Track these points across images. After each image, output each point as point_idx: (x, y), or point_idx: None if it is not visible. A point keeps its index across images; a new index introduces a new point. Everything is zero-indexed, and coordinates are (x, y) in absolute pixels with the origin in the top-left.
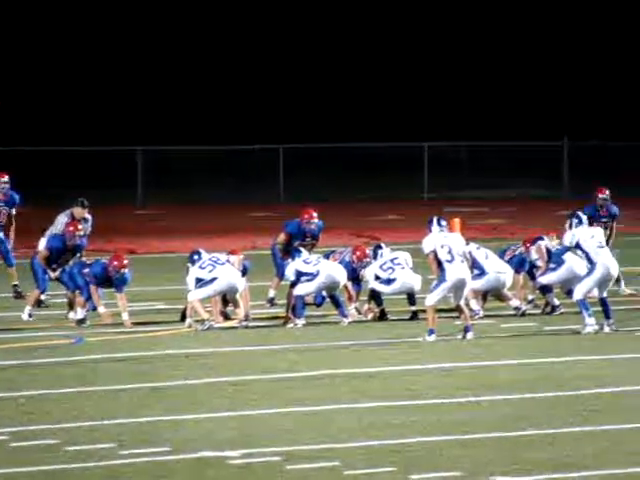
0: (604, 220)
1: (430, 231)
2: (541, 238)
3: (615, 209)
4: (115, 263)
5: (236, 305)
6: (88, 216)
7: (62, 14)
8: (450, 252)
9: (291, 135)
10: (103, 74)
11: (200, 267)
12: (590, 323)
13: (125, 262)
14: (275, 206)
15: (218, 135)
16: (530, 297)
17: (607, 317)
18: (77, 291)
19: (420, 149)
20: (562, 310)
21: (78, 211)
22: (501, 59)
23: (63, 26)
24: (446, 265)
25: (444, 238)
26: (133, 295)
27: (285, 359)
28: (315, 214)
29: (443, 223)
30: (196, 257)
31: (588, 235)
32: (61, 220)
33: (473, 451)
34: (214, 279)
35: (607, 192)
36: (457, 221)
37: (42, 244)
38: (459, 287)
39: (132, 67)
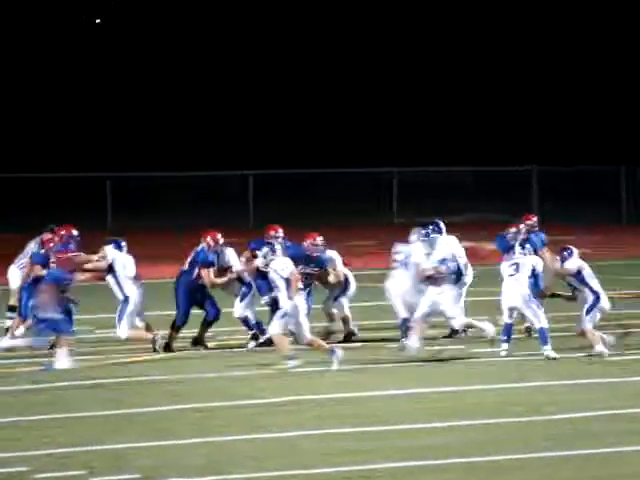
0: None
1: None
2: None
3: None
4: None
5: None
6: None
7: (43, 43)
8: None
9: (260, 161)
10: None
11: None
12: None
13: None
14: (245, 232)
15: (192, 161)
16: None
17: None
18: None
19: (390, 174)
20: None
21: (48, 237)
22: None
23: (42, 55)
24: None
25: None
26: (104, 322)
27: (250, 386)
28: (319, 238)
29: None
30: None
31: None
32: (31, 247)
33: (444, 476)
34: None
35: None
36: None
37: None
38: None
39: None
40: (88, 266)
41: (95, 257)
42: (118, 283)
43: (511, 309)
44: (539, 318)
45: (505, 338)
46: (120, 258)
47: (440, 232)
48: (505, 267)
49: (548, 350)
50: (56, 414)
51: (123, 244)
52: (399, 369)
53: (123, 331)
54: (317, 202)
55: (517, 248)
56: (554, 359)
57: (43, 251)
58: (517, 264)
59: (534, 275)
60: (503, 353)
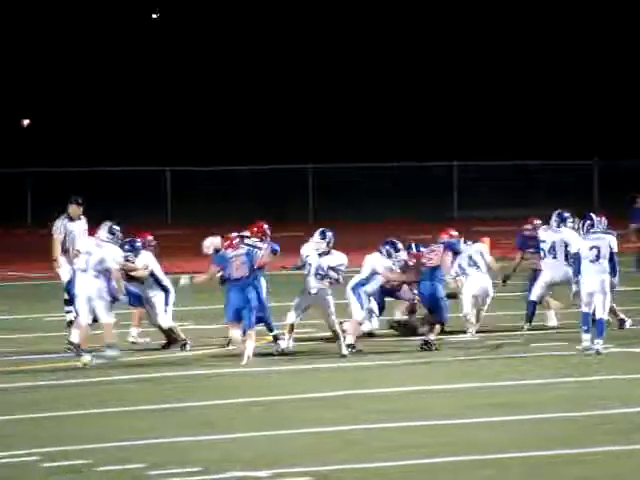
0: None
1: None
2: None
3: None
4: None
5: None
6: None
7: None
8: None
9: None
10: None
11: None
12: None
13: None
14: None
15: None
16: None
17: None
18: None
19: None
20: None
21: (74, 209)
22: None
23: (90, 54)
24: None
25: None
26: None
27: (306, 380)
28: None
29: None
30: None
31: None
32: (60, 224)
33: (494, 471)
34: None
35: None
36: (486, 240)
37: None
38: None
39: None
40: (136, 274)
41: (139, 266)
42: (157, 279)
43: (590, 294)
44: (604, 308)
45: (585, 328)
46: (151, 257)
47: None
48: (585, 250)
49: (600, 344)
50: (115, 407)
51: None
52: (450, 363)
53: (167, 320)
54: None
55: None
56: (600, 354)
57: None
58: (598, 248)
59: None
60: (586, 344)
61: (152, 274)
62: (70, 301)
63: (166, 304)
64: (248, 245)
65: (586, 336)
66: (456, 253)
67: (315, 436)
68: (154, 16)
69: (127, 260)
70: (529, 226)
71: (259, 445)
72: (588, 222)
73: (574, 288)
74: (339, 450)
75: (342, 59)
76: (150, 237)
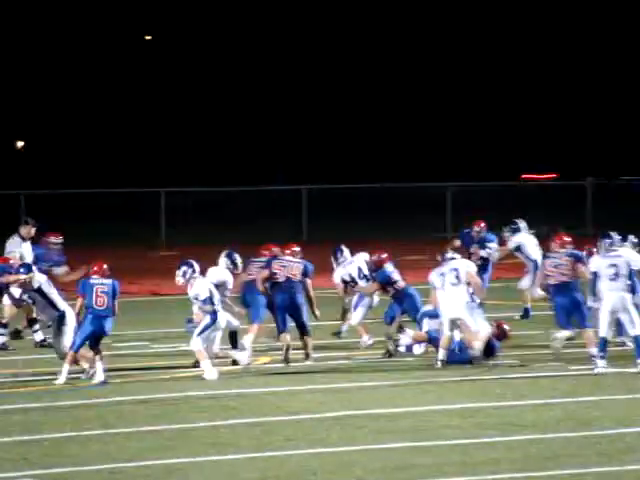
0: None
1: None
2: None
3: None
4: None
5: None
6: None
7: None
8: None
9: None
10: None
11: None
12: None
13: None
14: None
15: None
16: None
17: None
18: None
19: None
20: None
21: (26, 230)
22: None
23: (84, 76)
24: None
25: None
26: (159, 336)
27: (308, 400)
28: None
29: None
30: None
31: None
32: (14, 242)
33: None
34: None
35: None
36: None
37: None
38: None
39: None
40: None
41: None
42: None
43: (612, 313)
44: (634, 324)
45: (602, 354)
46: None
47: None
48: (602, 268)
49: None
50: (109, 429)
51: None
52: (455, 383)
53: (197, 344)
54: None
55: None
56: None
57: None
58: (617, 265)
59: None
60: (601, 370)
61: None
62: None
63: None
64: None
65: (602, 362)
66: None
67: (315, 457)
68: (147, 37)
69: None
70: (477, 228)
71: (257, 466)
72: (608, 241)
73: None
74: (338, 471)
75: (331, 81)
76: (53, 238)
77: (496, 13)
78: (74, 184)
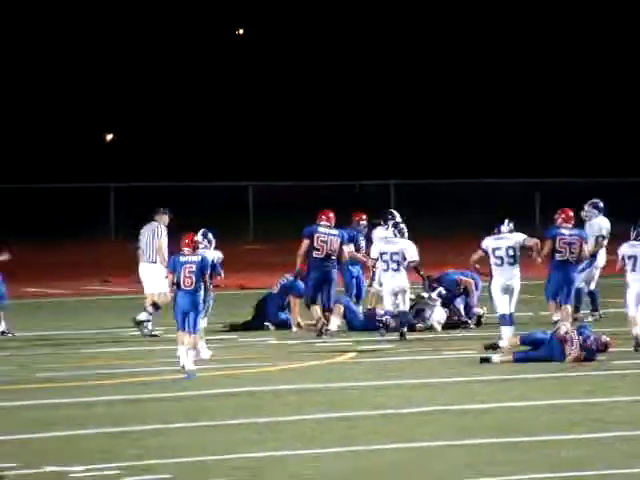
0: None
1: None
2: None
3: None
4: None
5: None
6: None
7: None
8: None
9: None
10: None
11: None
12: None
13: None
14: None
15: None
16: None
17: None
18: None
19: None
20: None
21: (163, 218)
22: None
23: (173, 68)
24: None
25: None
26: (244, 331)
27: (397, 395)
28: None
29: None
30: None
31: None
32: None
33: None
34: None
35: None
36: None
37: None
38: None
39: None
40: None
41: None
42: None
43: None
44: None
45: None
46: None
47: None
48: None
49: None
50: (197, 422)
51: None
52: (542, 380)
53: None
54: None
55: None
56: None
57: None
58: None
59: None
60: None
61: None
62: None
63: None
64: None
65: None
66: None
67: (403, 452)
68: (240, 31)
69: None
70: (364, 222)
71: (344, 461)
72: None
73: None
74: (427, 466)
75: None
76: None
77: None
78: (165, 176)
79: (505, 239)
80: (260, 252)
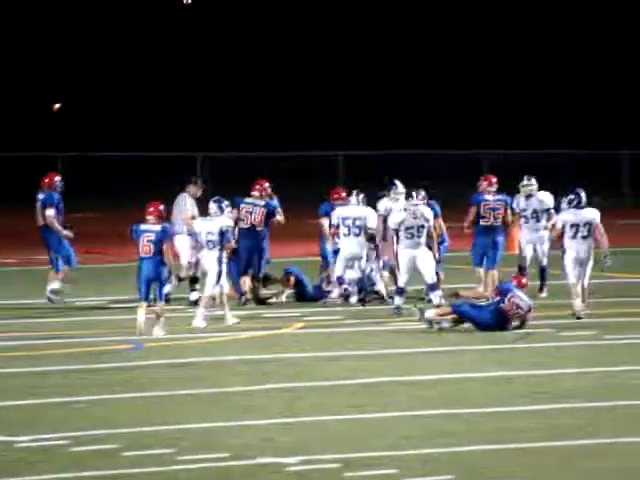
0: None
1: None
2: None
3: None
4: None
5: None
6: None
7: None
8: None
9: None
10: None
11: None
12: None
13: None
14: None
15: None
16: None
17: None
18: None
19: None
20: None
21: (195, 188)
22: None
23: (119, 35)
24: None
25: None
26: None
27: (342, 366)
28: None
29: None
30: None
31: None
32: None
33: (533, 460)
34: None
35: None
36: None
37: None
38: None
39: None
40: None
41: None
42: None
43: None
44: None
45: None
46: None
47: None
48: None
49: None
50: (144, 392)
51: None
52: (491, 351)
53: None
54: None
55: None
56: None
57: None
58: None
59: None
60: None
61: None
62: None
63: None
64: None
65: None
66: None
67: (347, 423)
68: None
69: None
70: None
71: (289, 431)
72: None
73: None
74: (370, 437)
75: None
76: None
77: None
78: (112, 147)
79: (582, 212)
80: None
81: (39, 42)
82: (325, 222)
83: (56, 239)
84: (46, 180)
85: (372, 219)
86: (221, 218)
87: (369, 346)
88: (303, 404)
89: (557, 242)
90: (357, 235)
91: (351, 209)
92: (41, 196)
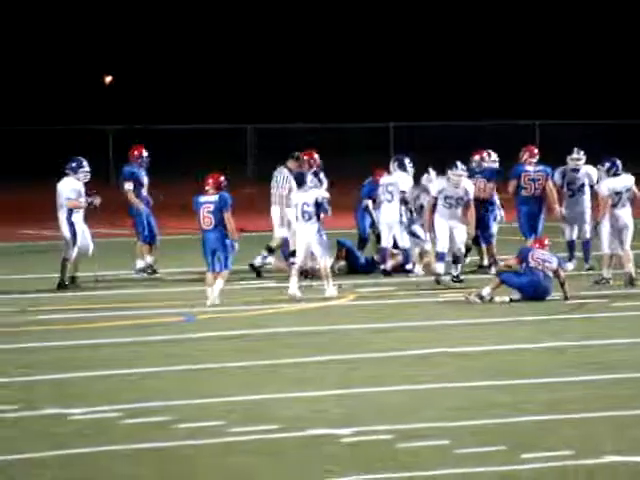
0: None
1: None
2: None
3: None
4: None
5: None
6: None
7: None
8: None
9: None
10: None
11: None
12: None
13: None
14: None
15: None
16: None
17: None
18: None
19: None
20: None
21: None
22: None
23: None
24: None
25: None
26: (245, 273)
27: (395, 338)
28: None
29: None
30: None
31: None
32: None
33: (584, 430)
34: None
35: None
36: None
37: None
38: None
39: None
40: None
41: None
42: None
43: None
44: None
45: None
46: None
47: None
48: None
49: None
50: (196, 365)
51: None
52: (542, 322)
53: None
54: None
55: None
56: None
57: None
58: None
59: None
60: None
61: None
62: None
63: None
64: None
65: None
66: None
67: (401, 395)
68: None
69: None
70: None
71: (342, 403)
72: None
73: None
74: (425, 408)
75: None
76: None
77: None
78: (163, 119)
79: (623, 179)
80: (259, 195)
81: (91, 15)
82: (370, 203)
83: (134, 212)
84: (134, 153)
85: (403, 183)
86: (317, 189)
87: (417, 317)
88: (356, 375)
89: (597, 213)
90: (389, 201)
91: (386, 177)
92: (126, 168)
